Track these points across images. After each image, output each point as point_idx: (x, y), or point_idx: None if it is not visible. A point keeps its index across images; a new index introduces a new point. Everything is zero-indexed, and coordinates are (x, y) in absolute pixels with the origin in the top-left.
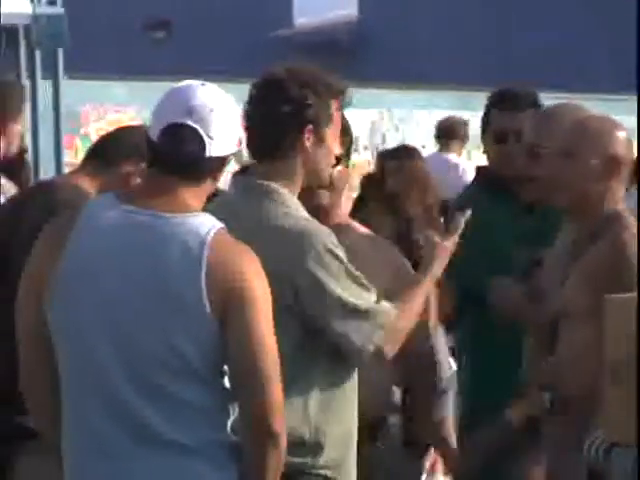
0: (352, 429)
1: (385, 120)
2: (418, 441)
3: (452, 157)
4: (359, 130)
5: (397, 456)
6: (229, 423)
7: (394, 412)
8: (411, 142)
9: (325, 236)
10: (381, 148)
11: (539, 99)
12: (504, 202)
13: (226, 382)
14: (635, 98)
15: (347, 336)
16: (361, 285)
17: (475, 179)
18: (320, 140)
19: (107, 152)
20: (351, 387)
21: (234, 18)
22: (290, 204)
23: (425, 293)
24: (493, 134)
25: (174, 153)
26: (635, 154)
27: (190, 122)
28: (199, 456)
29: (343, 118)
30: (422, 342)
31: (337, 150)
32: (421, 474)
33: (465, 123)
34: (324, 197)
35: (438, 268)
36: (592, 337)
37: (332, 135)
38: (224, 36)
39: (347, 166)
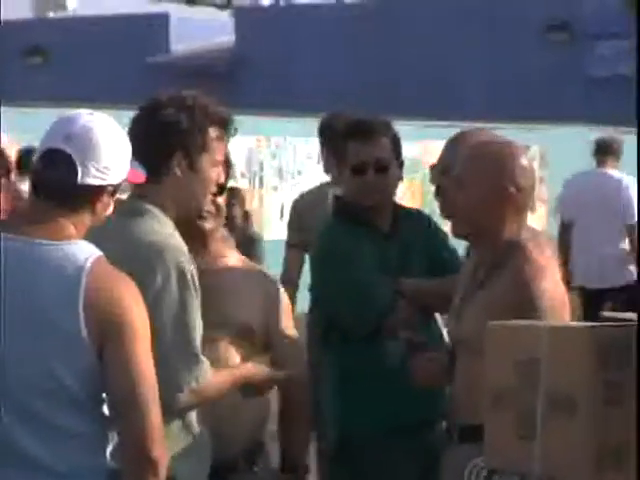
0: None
1: (262, 147)
2: (296, 466)
3: (613, 172)
4: (236, 157)
5: None
6: (108, 450)
7: (271, 438)
8: (288, 169)
9: (180, 255)
10: (259, 175)
11: (393, 128)
12: (365, 233)
13: (105, 409)
14: (509, 126)
15: (172, 366)
16: (195, 327)
17: (333, 211)
18: (192, 167)
19: None
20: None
21: (111, 44)
22: (158, 221)
23: (237, 383)
24: (351, 166)
25: (46, 178)
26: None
27: (65, 148)
28: None
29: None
30: (301, 370)
31: (220, 179)
32: None
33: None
34: (208, 222)
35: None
36: None
37: (209, 163)
38: (101, 62)
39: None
